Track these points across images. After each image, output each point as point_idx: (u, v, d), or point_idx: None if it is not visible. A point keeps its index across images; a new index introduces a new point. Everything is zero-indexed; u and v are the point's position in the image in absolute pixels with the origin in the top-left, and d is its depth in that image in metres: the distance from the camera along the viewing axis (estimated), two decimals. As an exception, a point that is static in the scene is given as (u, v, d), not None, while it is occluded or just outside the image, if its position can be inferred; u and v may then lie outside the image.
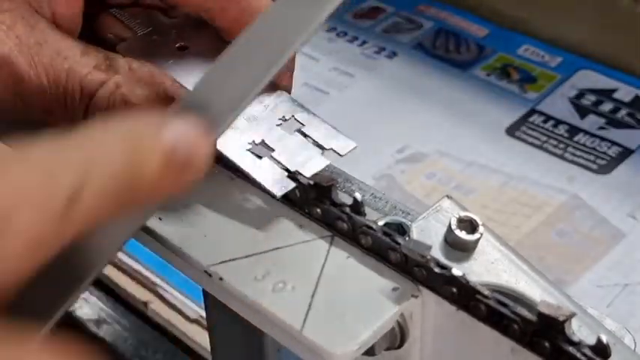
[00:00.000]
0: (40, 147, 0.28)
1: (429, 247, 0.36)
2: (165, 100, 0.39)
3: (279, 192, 0.39)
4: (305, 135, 0.41)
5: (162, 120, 0.30)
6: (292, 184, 0.39)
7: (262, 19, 0.34)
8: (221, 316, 0.48)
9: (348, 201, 0.38)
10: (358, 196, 0.38)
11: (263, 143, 0.40)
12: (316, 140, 0.41)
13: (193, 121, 0.30)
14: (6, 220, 0.26)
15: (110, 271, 0.76)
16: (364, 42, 0.99)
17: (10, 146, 0.31)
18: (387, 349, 0.38)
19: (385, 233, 0.37)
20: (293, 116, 0.41)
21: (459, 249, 0.38)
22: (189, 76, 0.41)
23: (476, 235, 0.37)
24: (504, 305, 0.34)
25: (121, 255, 0.76)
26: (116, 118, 0.30)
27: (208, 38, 0.43)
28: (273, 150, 0.40)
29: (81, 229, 0.28)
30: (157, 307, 0.73)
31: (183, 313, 0.72)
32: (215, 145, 0.31)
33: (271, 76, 0.34)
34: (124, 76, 0.39)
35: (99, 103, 0.39)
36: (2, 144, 0.31)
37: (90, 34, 0.43)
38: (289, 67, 0.43)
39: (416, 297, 0.37)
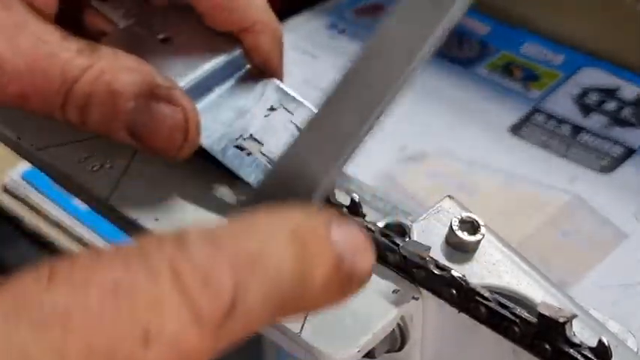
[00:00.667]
0: (200, 237, 0.24)
1: (428, 248, 0.36)
2: (152, 89, 0.37)
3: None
4: (294, 124, 0.40)
5: (329, 218, 0.27)
6: None
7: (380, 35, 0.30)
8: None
9: (347, 201, 0.38)
10: (356, 196, 0.37)
11: (251, 137, 0.40)
12: None
13: (363, 232, 0.27)
14: (152, 333, 0.22)
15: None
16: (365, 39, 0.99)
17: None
18: (388, 351, 0.38)
19: (384, 234, 0.37)
20: (282, 105, 0.41)
21: (461, 250, 0.37)
22: (173, 71, 0.40)
23: (477, 236, 0.37)
24: (504, 307, 0.34)
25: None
26: (279, 208, 0.26)
27: (192, 26, 0.42)
28: (262, 144, 0.39)
29: (232, 343, 0.24)
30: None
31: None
32: None
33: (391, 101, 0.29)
34: (108, 62, 0.37)
35: (81, 90, 0.36)
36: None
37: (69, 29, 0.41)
38: (278, 50, 0.42)
39: (416, 299, 0.36)
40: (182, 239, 0.24)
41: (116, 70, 0.37)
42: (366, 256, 0.27)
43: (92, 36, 0.41)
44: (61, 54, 0.36)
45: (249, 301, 0.24)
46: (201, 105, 0.39)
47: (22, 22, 0.36)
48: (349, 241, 0.26)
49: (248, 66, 0.41)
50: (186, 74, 0.40)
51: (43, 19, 0.37)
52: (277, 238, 0.25)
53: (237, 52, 0.41)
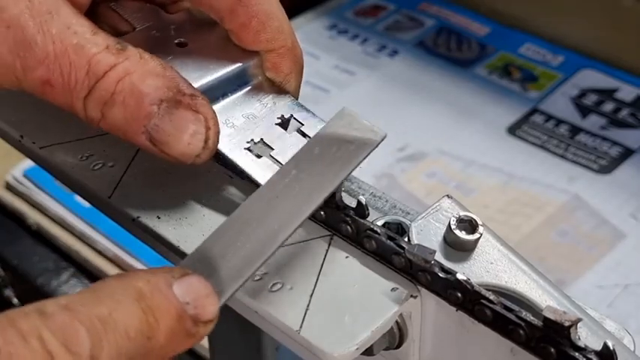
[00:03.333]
0: (57, 306, 0.29)
1: (433, 252, 0.36)
2: (176, 95, 0.37)
3: None
4: (304, 134, 0.41)
5: (172, 275, 0.31)
6: None
7: (286, 171, 0.35)
8: (220, 314, 0.48)
9: (350, 202, 0.38)
10: (362, 199, 0.38)
11: (262, 142, 0.40)
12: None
13: (202, 280, 0.31)
14: None
15: (109, 269, 0.76)
16: (365, 40, 0.99)
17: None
18: (386, 349, 0.38)
19: (389, 237, 0.37)
20: (292, 115, 0.41)
21: (459, 249, 0.37)
22: (188, 74, 0.40)
23: (475, 235, 0.37)
24: (510, 310, 0.34)
25: (120, 253, 0.75)
26: (129, 273, 0.31)
27: (208, 35, 0.42)
28: (272, 149, 0.40)
29: None
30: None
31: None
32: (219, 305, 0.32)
33: (285, 239, 0.34)
34: (134, 63, 0.37)
35: (105, 86, 0.36)
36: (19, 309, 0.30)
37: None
38: (297, 74, 0.43)
39: (415, 297, 0.37)
40: (42, 310, 0.28)
41: (142, 72, 0.37)
42: (208, 302, 0.31)
43: (109, 33, 0.42)
44: (89, 47, 0.36)
45: (105, 358, 0.28)
46: (213, 108, 0.39)
47: (55, 10, 0.37)
48: (190, 291, 0.31)
49: (260, 77, 0.42)
50: (201, 78, 0.40)
51: (75, 9, 0.37)
52: (124, 300, 0.29)
53: (252, 62, 0.42)
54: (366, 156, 0.36)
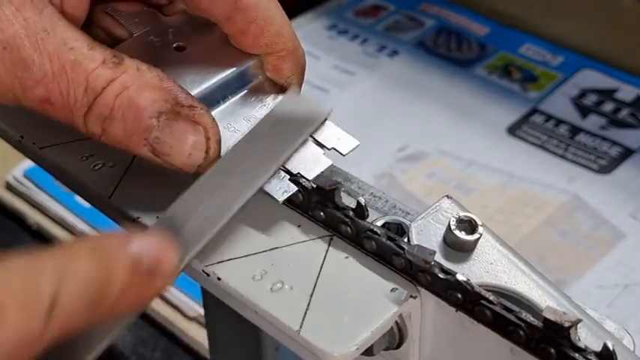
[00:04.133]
0: (19, 257, 0.30)
1: (433, 253, 0.36)
2: (174, 107, 0.37)
3: (281, 197, 0.39)
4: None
5: (129, 234, 0.32)
6: (294, 188, 0.39)
7: (240, 147, 0.37)
8: (220, 314, 0.48)
9: (350, 203, 0.38)
10: (362, 200, 0.38)
11: None
12: (317, 139, 0.40)
13: (159, 234, 0.32)
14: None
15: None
16: (365, 40, 0.99)
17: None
18: (386, 349, 0.38)
19: (389, 238, 0.37)
20: None
21: (458, 249, 0.37)
22: (187, 80, 0.40)
23: (475, 236, 0.37)
24: (510, 311, 0.34)
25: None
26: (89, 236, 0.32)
27: (207, 37, 0.42)
28: None
29: (61, 333, 0.30)
30: (155, 304, 0.73)
31: (182, 311, 0.72)
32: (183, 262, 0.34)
33: (244, 202, 0.37)
34: (131, 76, 0.37)
35: (104, 102, 0.37)
36: None
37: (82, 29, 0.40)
38: (298, 76, 0.43)
39: (415, 297, 0.37)
40: (2, 257, 0.29)
41: (139, 85, 0.37)
42: (166, 255, 0.32)
43: (104, 39, 0.42)
44: (87, 63, 0.37)
45: (64, 300, 0.29)
46: (214, 113, 0.39)
47: (51, 27, 0.37)
48: (147, 246, 0.32)
49: (261, 77, 0.42)
50: (200, 83, 0.40)
51: (71, 25, 0.37)
52: (81, 251, 0.31)
53: (252, 62, 0.42)
54: (314, 130, 0.39)
